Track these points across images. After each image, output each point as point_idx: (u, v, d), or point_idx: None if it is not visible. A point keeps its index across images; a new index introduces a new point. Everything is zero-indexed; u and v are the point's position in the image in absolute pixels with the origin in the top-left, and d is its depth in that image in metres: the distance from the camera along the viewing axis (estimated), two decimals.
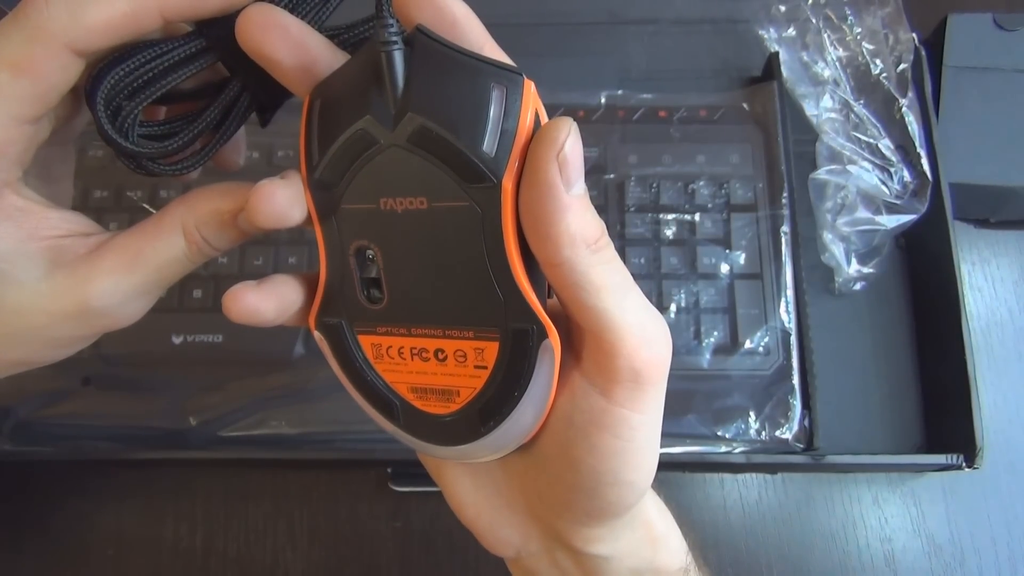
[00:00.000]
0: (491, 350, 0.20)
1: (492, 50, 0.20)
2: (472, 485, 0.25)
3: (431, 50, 0.18)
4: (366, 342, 0.21)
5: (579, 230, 0.18)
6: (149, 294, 0.22)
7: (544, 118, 0.19)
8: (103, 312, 0.22)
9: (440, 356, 0.21)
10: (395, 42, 0.18)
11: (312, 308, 0.22)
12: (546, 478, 0.23)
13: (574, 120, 0.18)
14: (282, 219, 0.20)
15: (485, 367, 0.21)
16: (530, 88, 0.18)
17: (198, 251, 0.22)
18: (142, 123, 0.21)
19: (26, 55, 0.19)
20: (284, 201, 0.19)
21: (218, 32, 0.20)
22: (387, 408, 0.22)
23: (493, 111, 0.18)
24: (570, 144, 0.17)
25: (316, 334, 0.22)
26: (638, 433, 0.21)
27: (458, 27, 0.19)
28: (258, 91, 0.22)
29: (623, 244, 0.42)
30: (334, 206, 0.20)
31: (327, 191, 0.19)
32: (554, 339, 0.20)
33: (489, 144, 0.18)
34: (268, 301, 0.21)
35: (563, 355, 0.21)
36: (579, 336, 0.21)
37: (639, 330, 0.20)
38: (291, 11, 0.20)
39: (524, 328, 0.20)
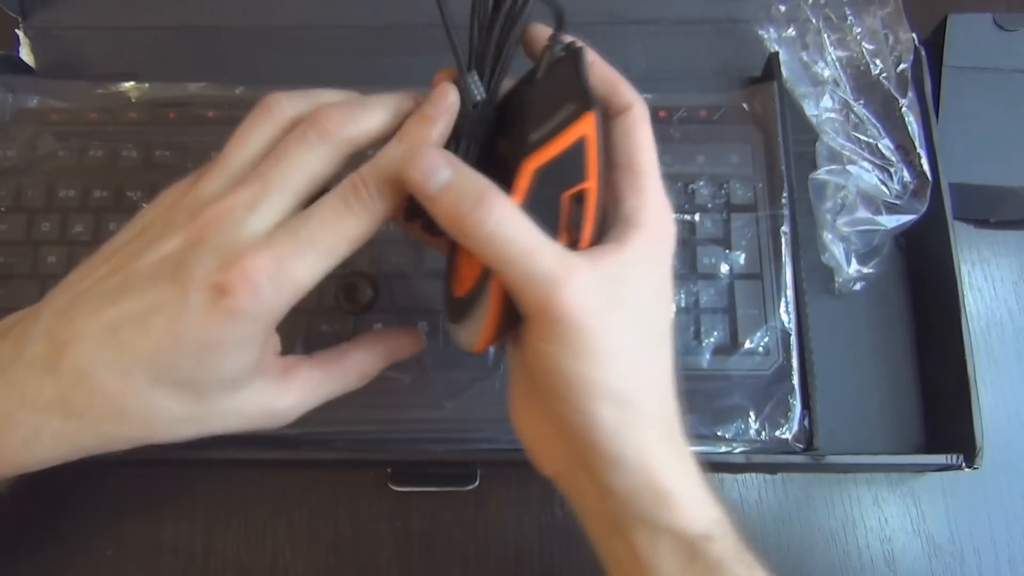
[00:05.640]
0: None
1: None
2: (526, 399, 0.28)
3: None
4: None
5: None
6: (304, 408, 0.28)
7: None
8: (275, 416, 0.27)
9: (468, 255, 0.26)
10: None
11: None
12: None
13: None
14: None
15: (474, 278, 0.26)
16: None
17: (346, 384, 0.29)
18: None
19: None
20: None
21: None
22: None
23: None
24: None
25: None
26: (549, 362, 0.24)
27: None
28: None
29: None
30: None
31: None
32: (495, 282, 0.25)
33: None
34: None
35: None
36: None
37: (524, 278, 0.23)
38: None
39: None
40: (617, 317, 0.24)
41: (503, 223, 0.23)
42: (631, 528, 0.26)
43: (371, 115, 0.26)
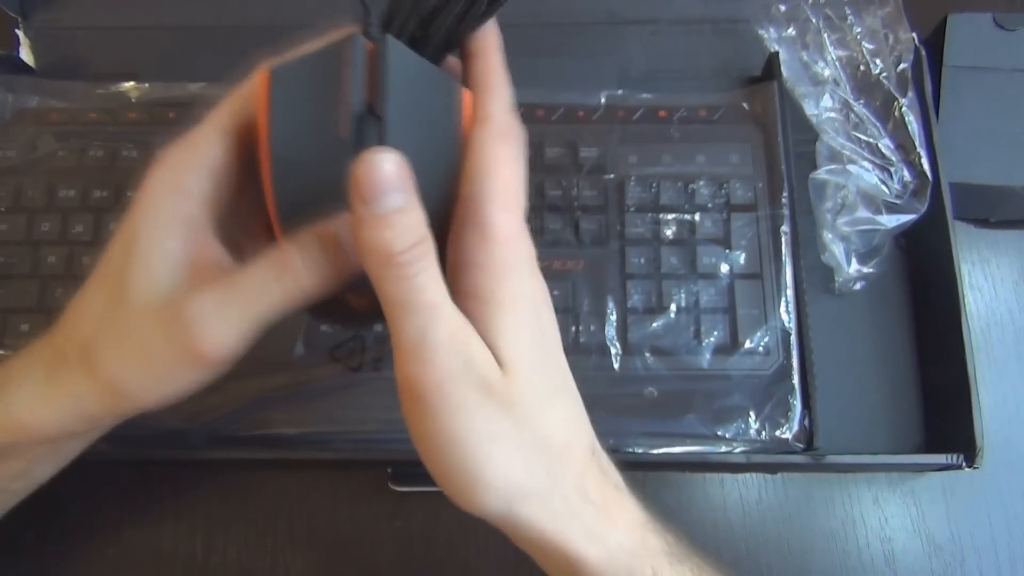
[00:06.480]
0: None
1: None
2: None
3: None
4: None
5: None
6: (232, 319, 0.23)
7: None
8: (189, 324, 0.23)
9: None
10: None
11: None
12: None
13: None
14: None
15: None
16: None
17: (292, 279, 0.23)
18: None
19: None
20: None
21: None
22: None
23: None
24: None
25: None
26: (427, 439, 0.23)
27: None
28: None
29: (623, 244, 0.41)
30: None
31: None
32: None
33: None
34: None
35: None
36: None
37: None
38: None
39: None
40: (495, 398, 0.23)
41: (429, 269, 0.22)
42: None
43: None
